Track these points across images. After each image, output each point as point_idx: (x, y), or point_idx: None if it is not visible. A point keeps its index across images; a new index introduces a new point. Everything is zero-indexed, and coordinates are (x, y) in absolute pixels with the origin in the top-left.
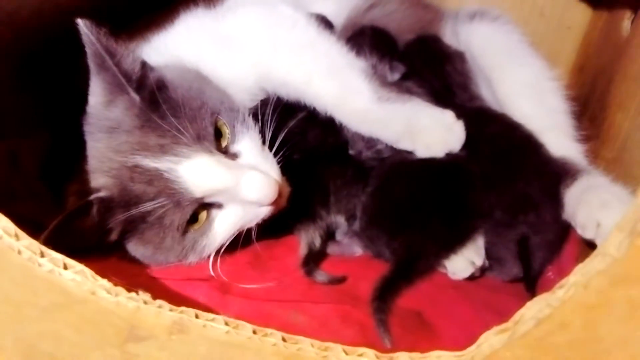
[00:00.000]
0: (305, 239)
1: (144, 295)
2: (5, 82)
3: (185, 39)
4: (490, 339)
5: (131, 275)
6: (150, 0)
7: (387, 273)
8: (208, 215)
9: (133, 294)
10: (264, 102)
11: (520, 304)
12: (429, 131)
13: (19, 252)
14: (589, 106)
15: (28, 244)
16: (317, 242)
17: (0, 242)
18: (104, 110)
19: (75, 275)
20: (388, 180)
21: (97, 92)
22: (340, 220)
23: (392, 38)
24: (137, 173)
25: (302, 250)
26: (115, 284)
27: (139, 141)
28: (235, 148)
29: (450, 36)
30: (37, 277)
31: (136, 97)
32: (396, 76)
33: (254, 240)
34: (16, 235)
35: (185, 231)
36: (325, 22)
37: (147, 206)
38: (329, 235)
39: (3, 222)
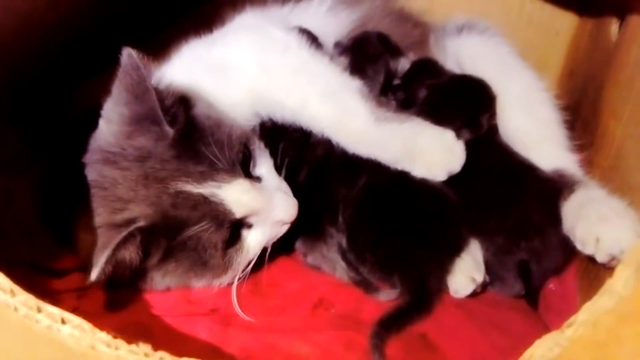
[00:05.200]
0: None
1: (145, 347)
2: None
3: (183, 70)
4: None
5: (132, 312)
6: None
7: (402, 304)
8: (241, 235)
9: (133, 346)
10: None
11: (524, 319)
12: (430, 151)
13: (15, 309)
14: (581, 113)
15: (24, 300)
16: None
17: None
18: (126, 139)
19: (74, 330)
20: (361, 212)
21: (118, 121)
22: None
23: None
24: (180, 199)
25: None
26: (115, 337)
27: (178, 169)
28: (257, 172)
29: (436, 51)
30: (35, 334)
31: (170, 130)
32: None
33: (265, 260)
34: (12, 292)
35: (225, 250)
36: (311, 38)
37: (192, 230)
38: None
39: None
